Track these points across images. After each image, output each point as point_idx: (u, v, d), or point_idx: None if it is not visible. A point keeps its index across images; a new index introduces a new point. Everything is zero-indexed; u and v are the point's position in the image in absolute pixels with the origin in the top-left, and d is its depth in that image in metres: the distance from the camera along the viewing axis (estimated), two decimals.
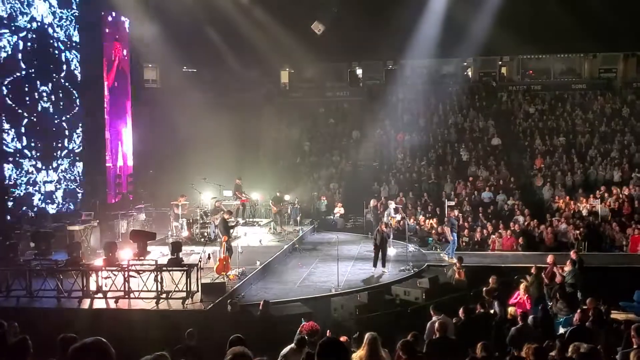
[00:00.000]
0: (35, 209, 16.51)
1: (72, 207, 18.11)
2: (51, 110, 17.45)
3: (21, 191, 16.07)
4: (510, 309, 9.80)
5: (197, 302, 10.92)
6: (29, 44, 16.47)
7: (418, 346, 7.06)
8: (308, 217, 21.82)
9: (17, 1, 15.91)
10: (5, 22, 15.53)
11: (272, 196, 20.01)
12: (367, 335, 5.47)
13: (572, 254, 13.48)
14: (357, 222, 22.00)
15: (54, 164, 17.61)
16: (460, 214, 19.26)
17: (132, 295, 10.98)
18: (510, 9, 24.38)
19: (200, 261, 12.13)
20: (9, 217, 15.38)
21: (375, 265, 14.72)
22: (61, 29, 18.01)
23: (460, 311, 9.24)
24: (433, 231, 19.55)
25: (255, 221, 20.40)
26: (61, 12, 17.94)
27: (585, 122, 26.77)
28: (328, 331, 8.14)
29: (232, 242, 14.02)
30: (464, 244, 18.41)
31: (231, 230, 14.60)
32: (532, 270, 12.63)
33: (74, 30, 18.58)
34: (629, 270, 15.16)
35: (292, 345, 6.85)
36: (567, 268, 12.71)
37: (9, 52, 15.72)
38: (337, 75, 32.93)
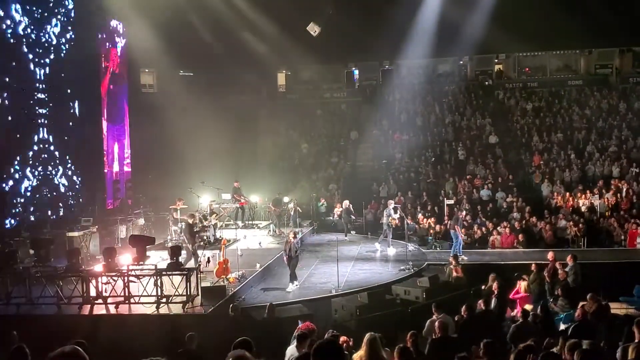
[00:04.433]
0: (34, 216, 16.46)
1: (71, 213, 18.04)
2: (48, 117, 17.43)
3: (20, 198, 16.03)
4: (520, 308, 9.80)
5: (197, 306, 10.92)
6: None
7: (418, 345, 7.07)
8: (307, 218, 21.81)
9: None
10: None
11: (273, 198, 20.00)
12: (366, 336, 5.46)
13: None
14: (356, 223, 21.97)
15: (52, 170, 17.56)
16: (466, 213, 19.21)
17: (132, 300, 10.97)
18: (505, 6, 24.40)
19: (199, 265, 12.11)
20: (7, 224, 15.34)
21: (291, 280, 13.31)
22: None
23: (463, 309, 9.26)
24: (431, 230, 19.54)
25: (255, 224, 20.37)
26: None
27: (583, 118, 26.78)
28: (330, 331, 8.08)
29: (198, 249, 13.47)
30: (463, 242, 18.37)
31: (197, 236, 13.79)
32: (532, 268, 12.65)
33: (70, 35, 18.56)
34: (629, 265, 15.17)
35: (294, 345, 6.80)
36: (569, 264, 12.72)
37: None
38: (333, 77, 32.92)
